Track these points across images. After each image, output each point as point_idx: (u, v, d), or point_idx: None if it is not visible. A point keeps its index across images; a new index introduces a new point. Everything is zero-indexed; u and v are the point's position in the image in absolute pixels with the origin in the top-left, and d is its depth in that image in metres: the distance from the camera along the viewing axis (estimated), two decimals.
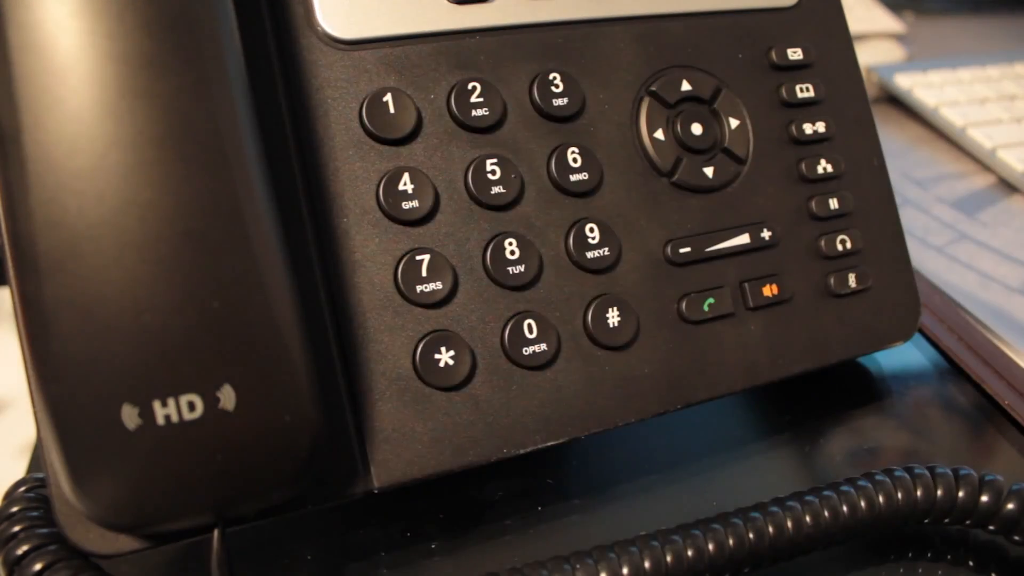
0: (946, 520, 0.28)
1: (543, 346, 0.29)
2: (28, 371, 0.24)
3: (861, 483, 0.27)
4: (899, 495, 0.27)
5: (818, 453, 0.33)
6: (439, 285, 0.28)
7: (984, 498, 0.27)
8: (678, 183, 0.32)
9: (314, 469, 0.24)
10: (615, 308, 0.30)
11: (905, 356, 0.38)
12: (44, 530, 0.25)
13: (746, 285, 0.32)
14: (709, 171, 0.32)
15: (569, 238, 0.30)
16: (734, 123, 0.33)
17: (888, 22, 0.67)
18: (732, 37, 0.34)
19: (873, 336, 0.34)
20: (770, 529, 0.26)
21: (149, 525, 0.22)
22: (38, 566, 0.24)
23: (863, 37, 0.65)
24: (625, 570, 0.24)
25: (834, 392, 0.36)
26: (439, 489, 0.30)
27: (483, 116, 0.29)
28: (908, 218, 0.47)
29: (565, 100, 0.30)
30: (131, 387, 0.20)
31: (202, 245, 0.21)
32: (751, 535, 0.26)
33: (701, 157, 0.32)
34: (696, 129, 0.32)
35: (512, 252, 0.29)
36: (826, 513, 0.26)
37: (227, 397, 0.21)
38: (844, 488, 0.27)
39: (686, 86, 0.33)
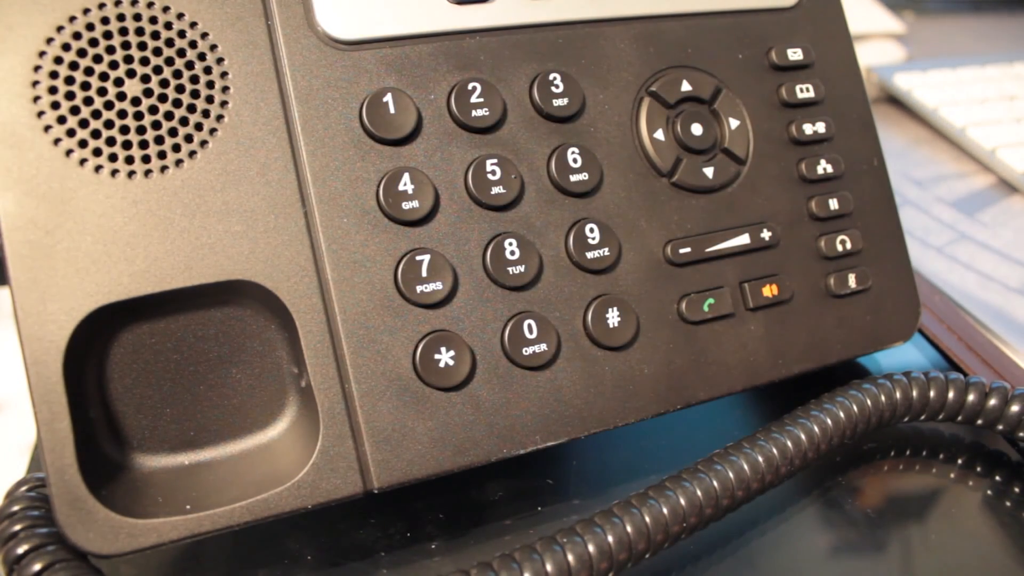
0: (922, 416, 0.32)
1: (543, 346, 0.29)
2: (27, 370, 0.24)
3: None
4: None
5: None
6: (439, 285, 0.28)
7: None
8: (678, 183, 0.32)
9: None
10: (615, 308, 0.30)
11: (905, 356, 0.38)
12: (44, 530, 0.25)
13: (746, 285, 0.32)
14: (709, 171, 0.32)
15: (569, 238, 0.30)
16: (734, 123, 0.33)
17: (888, 22, 0.67)
18: (732, 37, 0.34)
19: (873, 336, 0.34)
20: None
21: None
22: (37, 566, 0.24)
23: (863, 37, 0.65)
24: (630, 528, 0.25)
25: None
26: (439, 489, 0.30)
27: (483, 116, 0.29)
28: (908, 218, 0.47)
29: (565, 100, 0.30)
30: None
31: None
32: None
33: (701, 157, 0.32)
34: (696, 129, 0.32)
35: (512, 252, 0.29)
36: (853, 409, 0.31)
37: None
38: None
39: (686, 86, 0.33)
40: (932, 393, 0.31)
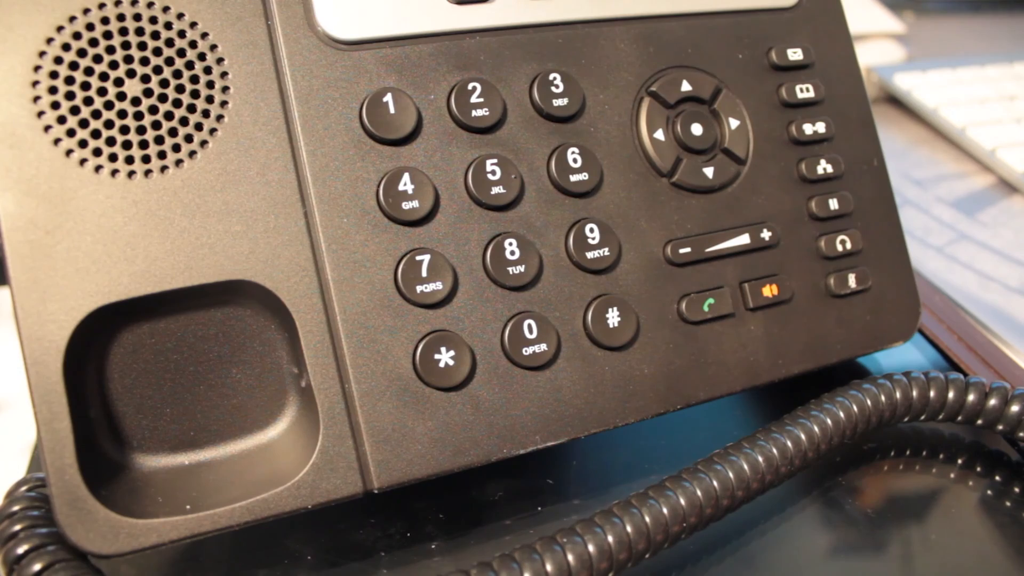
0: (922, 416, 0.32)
1: (543, 346, 0.29)
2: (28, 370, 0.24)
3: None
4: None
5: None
6: (439, 285, 0.28)
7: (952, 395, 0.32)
8: (678, 183, 0.32)
9: None
10: (615, 308, 0.30)
11: (905, 356, 0.38)
12: (44, 530, 0.25)
13: (746, 285, 0.32)
14: (709, 171, 0.32)
15: (569, 238, 0.30)
16: (734, 123, 0.33)
17: (888, 22, 0.67)
18: (732, 37, 0.34)
19: (873, 336, 0.34)
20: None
21: None
22: (37, 566, 0.24)
23: (863, 37, 0.65)
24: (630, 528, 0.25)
25: None
26: (439, 489, 0.30)
27: (483, 116, 0.29)
28: (908, 218, 0.47)
29: (565, 100, 0.30)
30: None
31: None
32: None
33: (701, 157, 0.32)
34: (696, 129, 0.32)
35: (512, 252, 0.29)
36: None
37: None
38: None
39: (686, 86, 0.33)
40: (932, 393, 0.31)
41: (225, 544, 0.28)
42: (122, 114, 0.26)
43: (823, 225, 0.34)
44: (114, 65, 0.26)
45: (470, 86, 0.29)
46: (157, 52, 0.26)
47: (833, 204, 0.34)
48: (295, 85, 0.27)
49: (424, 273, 0.28)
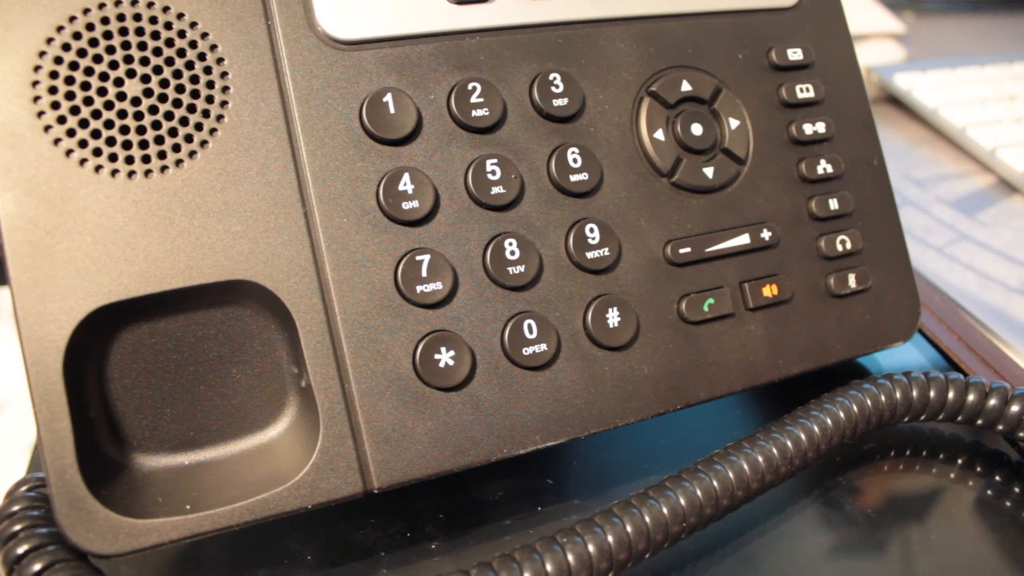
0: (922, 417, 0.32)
1: (543, 346, 0.29)
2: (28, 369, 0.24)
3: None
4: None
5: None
6: (439, 285, 0.28)
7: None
8: (678, 183, 0.32)
9: None
10: (615, 308, 0.30)
11: (905, 356, 0.38)
12: (44, 530, 0.25)
13: (746, 285, 0.32)
14: (709, 171, 0.32)
15: (569, 238, 0.30)
16: (734, 123, 0.33)
17: (888, 22, 0.67)
18: (732, 37, 0.34)
19: (873, 336, 0.34)
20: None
21: None
22: (37, 566, 0.24)
23: (863, 37, 0.65)
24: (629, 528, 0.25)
25: None
26: (439, 489, 0.30)
27: (483, 116, 0.29)
28: (908, 218, 0.47)
29: (565, 100, 0.30)
30: None
31: None
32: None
33: (701, 157, 0.32)
34: (696, 129, 0.32)
35: (512, 252, 0.29)
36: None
37: None
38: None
39: (686, 86, 0.33)
40: (932, 393, 0.31)
41: (225, 544, 0.28)
42: (122, 114, 0.26)
43: (823, 225, 0.34)
44: (114, 65, 0.26)
45: (470, 86, 0.29)
46: (157, 52, 0.26)
47: (833, 204, 0.34)
48: (295, 85, 0.27)
49: (424, 273, 0.28)
